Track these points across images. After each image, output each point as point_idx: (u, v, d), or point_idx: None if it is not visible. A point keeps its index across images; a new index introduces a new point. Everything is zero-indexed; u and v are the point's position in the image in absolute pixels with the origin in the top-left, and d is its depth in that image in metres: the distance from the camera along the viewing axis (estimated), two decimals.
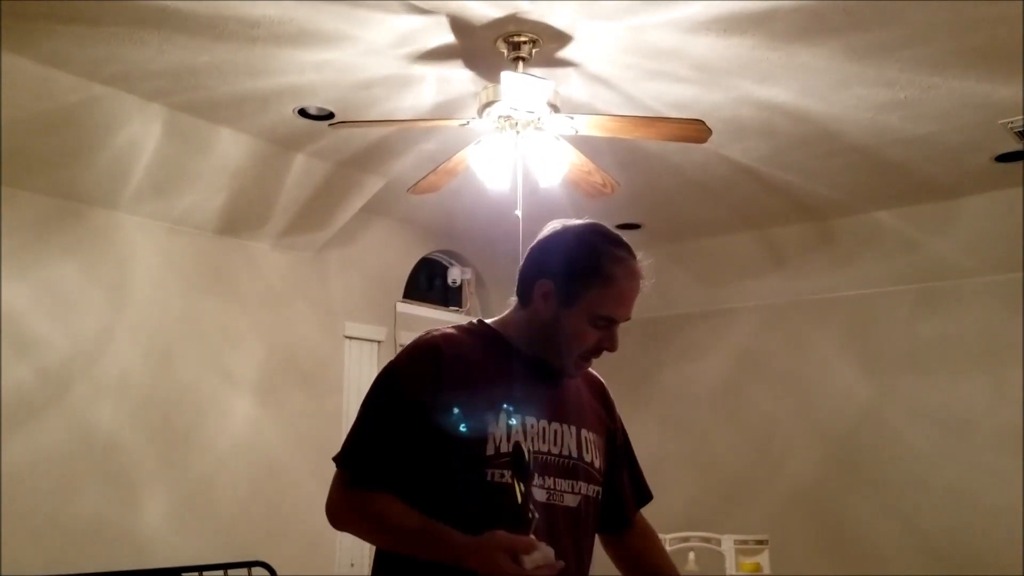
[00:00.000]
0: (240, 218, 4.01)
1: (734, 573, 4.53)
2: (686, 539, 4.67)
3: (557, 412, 1.46)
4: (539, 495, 1.37)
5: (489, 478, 1.34)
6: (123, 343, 3.62)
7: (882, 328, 4.98)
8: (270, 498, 4.06)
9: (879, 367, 4.96)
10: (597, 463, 1.50)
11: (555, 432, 1.44)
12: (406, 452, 1.37)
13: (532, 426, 1.41)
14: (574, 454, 1.46)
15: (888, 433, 4.87)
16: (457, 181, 3.41)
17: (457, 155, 3.05)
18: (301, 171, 3.90)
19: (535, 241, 1.52)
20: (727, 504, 5.28)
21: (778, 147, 3.77)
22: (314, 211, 4.19)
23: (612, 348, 1.46)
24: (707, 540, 4.67)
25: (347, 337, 4.63)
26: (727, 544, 4.60)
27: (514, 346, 1.48)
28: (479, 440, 1.35)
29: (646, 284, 1.46)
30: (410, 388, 1.39)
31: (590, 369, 1.61)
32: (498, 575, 1.25)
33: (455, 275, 5.45)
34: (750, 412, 5.37)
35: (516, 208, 3.17)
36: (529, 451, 1.34)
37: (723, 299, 5.55)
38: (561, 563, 1.29)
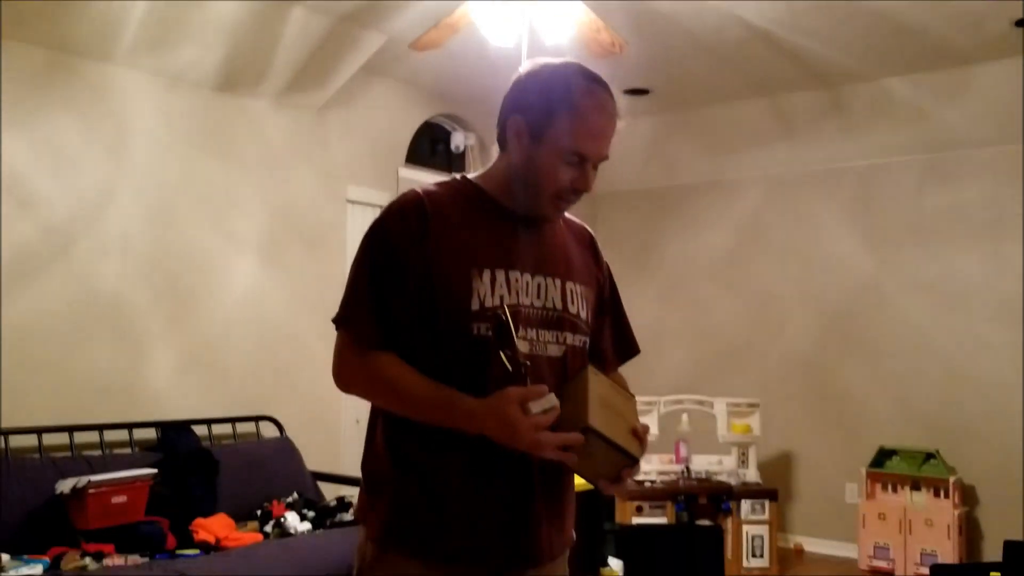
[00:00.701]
0: (238, 74, 3.92)
1: (725, 434, 4.70)
2: (679, 402, 4.82)
3: (541, 265, 1.46)
4: (521, 347, 1.37)
5: (475, 332, 1.36)
6: (124, 200, 3.61)
7: (887, 199, 4.96)
8: (276, 357, 4.15)
9: (881, 238, 4.97)
10: (583, 314, 1.50)
11: (539, 285, 1.45)
12: (400, 308, 1.38)
13: (516, 279, 1.41)
14: (558, 306, 1.46)
15: (886, 304, 4.93)
16: (461, 42, 3.31)
17: (459, 8, 2.95)
18: (299, 25, 3.79)
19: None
20: (723, 372, 5.40)
21: (795, 7, 3.63)
22: (313, 68, 4.09)
23: (586, 188, 1.44)
24: (700, 403, 4.82)
25: (349, 201, 4.61)
26: (719, 407, 4.75)
27: (497, 199, 1.47)
28: (464, 295, 1.36)
29: (621, 123, 1.44)
30: (396, 243, 1.39)
31: (579, 221, 1.61)
32: (511, 428, 1.27)
33: (458, 141, 5.37)
34: (750, 282, 5.43)
35: (520, 68, 3.08)
36: (506, 313, 1.34)
37: (729, 169, 5.49)
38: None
